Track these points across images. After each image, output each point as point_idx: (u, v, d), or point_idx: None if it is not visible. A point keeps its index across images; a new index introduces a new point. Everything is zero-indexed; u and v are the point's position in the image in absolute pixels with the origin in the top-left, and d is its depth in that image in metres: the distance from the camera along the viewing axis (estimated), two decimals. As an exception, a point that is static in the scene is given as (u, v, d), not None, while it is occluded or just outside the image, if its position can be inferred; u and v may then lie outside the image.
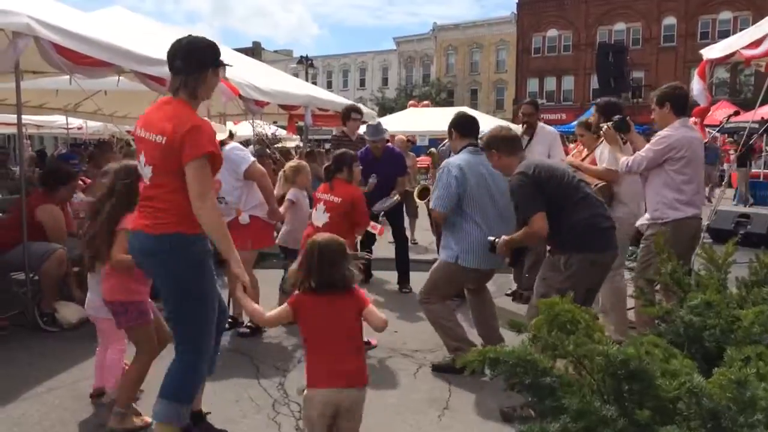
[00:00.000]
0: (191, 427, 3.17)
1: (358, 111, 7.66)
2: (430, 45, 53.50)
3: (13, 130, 14.94)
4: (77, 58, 5.04)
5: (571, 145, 9.79)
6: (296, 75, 28.83)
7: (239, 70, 8.12)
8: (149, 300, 3.55)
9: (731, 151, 18.14)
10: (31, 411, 3.67)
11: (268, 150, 9.72)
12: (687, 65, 36.67)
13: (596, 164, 5.03)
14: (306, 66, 36.06)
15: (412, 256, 7.05)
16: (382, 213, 6.48)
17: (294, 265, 2.78)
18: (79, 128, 16.48)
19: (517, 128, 6.30)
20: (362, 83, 57.44)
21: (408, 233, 8.00)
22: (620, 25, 43.54)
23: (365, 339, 4.74)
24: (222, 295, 3.25)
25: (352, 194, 4.87)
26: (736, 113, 9.12)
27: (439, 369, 4.39)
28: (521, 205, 3.84)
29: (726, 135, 19.93)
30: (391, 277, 6.95)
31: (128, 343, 3.67)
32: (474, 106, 39.85)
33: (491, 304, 4.70)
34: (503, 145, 4.05)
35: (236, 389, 4.02)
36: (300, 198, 5.63)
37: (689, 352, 2.46)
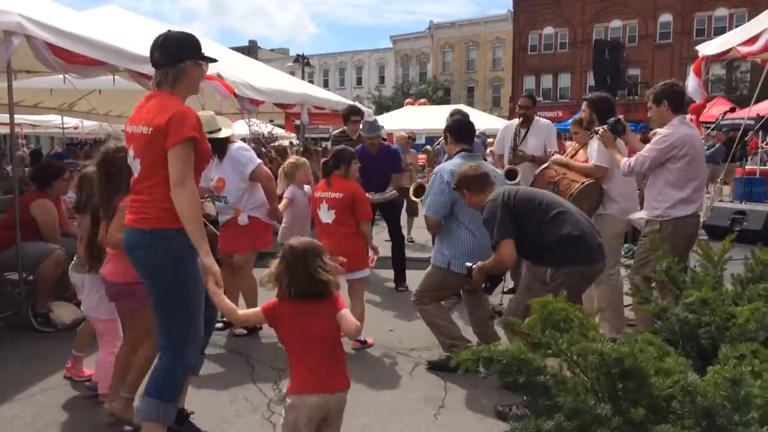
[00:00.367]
0: (174, 428, 3.14)
1: (358, 113, 7.64)
2: (426, 43, 53.48)
3: (8, 129, 14.91)
4: (70, 57, 5.01)
5: (568, 143, 9.78)
6: (293, 74, 28.78)
7: (234, 68, 8.12)
8: None
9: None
10: (24, 412, 3.65)
11: (263, 149, 9.70)
12: (683, 62, 36.68)
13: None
14: (302, 64, 36.01)
15: (408, 254, 7.04)
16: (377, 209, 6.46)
17: (272, 267, 2.71)
18: (75, 127, 16.47)
19: (513, 123, 6.32)
20: (359, 82, 57.39)
21: (405, 231, 7.99)
22: (616, 23, 43.55)
23: (362, 338, 4.80)
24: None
25: (351, 188, 4.87)
26: (732, 110, 9.11)
27: (435, 367, 4.39)
28: (490, 231, 3.89)
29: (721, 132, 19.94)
30: (387, 275, 6.94)
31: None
32: (471, 104, 39.88)
33: (486, 302, 4.69)
34: (473, 184, 4.10)
35: (231, 389, 4.00)
36: (297, 195, 5.60)
37: (684, 349, 2.45)
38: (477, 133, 5.72)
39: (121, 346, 3.59)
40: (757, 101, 12.94)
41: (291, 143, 14.97)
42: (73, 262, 4.05)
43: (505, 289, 6.46)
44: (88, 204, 3.79)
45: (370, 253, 5.13)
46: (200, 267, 2.95)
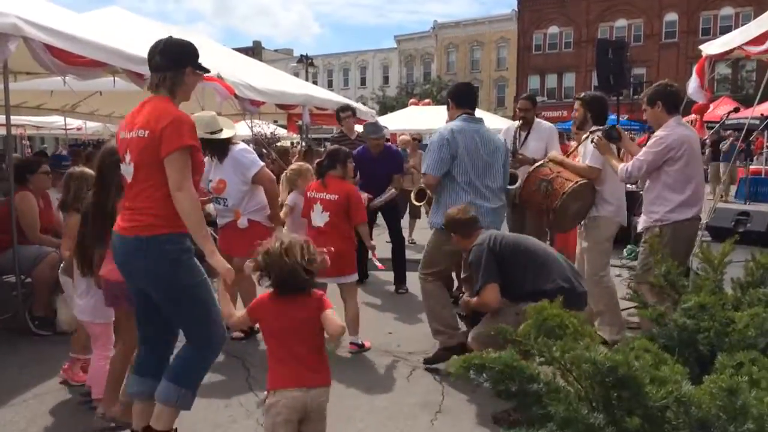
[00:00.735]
0: None
1: (346, 108, 7.61)
2: (430, 43, 53.39)
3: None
4: (68, 59, 4.98)
5: (572, 143, 9.70)
6: (296, 74, 28.79)
7: (235, 69, 8.09)
8: None
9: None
10: (18, 417, 3.62)
11: (264, 150, 9.66)
12: (689, 61, 36.46)
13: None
14: (306, 65, 36.01)
15: (409, 255, 6.99)
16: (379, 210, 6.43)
17: (258, 257, 2.70)
18: (78, 129, 16.50)
19: (514, 125, 6.23)
20: (363, 82, 57.33)
21: (405, 233, 7.95)
22: (621, 22, 43.41)
23: (359, 341, 4.76)
24: None
25: (347, 190, 4.84)
26: (736, 110, 9.05)
27: (430, 362, 4.42)
28: (475, 274, 3.90)
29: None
30: (387, 277, 6.90)
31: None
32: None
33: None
34: (459, 228, 4.12)
35: (226, 393, 3.96)
36: (299, 203, 5.54)
37: (682, 356, 2.41)
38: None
39: (116, 351, 3.56)
40: (761, 101, 12.86)
41: (292, 143, 14.94)
42: (62, 264, 4.04)
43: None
44: (76, 202, 3.77)
45: (371, 254, 5.12)
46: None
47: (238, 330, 4.78)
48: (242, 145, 5.15)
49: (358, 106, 10.87)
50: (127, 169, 2.95)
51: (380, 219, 6.97)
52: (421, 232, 9.70)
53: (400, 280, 6.71)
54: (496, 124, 19.12)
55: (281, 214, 5.29)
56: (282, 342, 2.65)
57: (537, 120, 6.04)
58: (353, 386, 4.08)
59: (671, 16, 42.08)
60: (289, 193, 5.66)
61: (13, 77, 6.81)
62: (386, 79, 55.52)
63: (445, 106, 5.09)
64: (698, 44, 8.20)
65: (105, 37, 5.55)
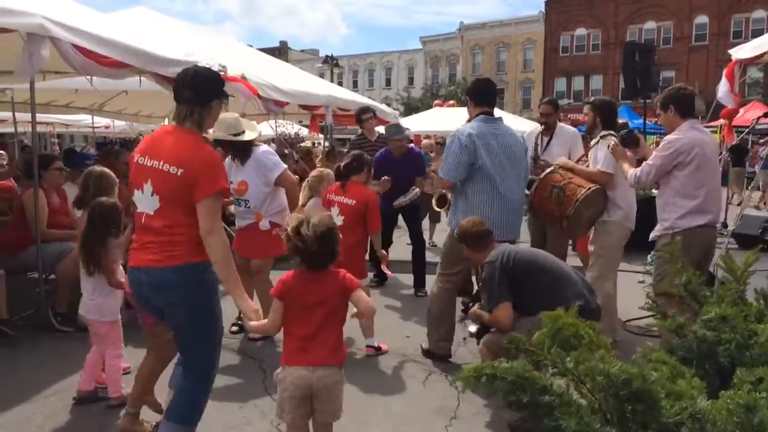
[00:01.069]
0: None
1: (367, 110, 7.59)
2: (456, 44, 53.21)
3: (41, 129, 15.24)
4: (97, 59, 5.03)
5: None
6: (322, 75, 28.87)
7: (259, 69, 8.13)
8: None
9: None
10: (36, 414, 3.67)
11: (286, 151, 9.69)
12: (719, 65, 35.82)
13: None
14: (331, 65, 36.06)
15: (429, 258, 6.95)
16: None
17: (289, 228, 2.71)
18: (106, 127, 16.71)
19: (536, 130, 6.11)
20: (388, 83, 57.34)
21: (426, 236, 7.91)
22: (650, 24, 42.86)
23: (376, 344, 4.75)
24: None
25: (366, 197, 4.82)
26: (766, 114, 8.85)
27: (427, 354, 4.65)
28: (487, 293, 3.87)
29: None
30: (407, 279, 6.87)
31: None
32: (500, 106, 39.52)
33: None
34: (472, 242, 4.05)
35: (242, 394, 3.97)
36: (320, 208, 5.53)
37: (702, 369, 2.35)
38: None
39: (144, 358, 3.45)
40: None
41: (314, 143, 14.96)
42: None
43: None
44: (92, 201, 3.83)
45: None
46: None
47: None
48: (264, 147, 5.16)
49: (382, 107, 10.86)
50: (145, 199, 2.87)
51: (401, 221, 6.95)
52: (441, 235, 9.64)
53: (419, 284, 6.68)
54: (522, 126, 18.91)
55: None
56: (295, 314, 2.68)
57: (560, 125, 5.93)
58: (369, 390, 4.07)
59: (702, 19, 41.42)
60: (309, 198, 5.64)
61: (41, 76, 6.92)
62: (411, 80, 55.45)
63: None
64: (729, 47, 8.04)
65: (131, 38, 5.59)
